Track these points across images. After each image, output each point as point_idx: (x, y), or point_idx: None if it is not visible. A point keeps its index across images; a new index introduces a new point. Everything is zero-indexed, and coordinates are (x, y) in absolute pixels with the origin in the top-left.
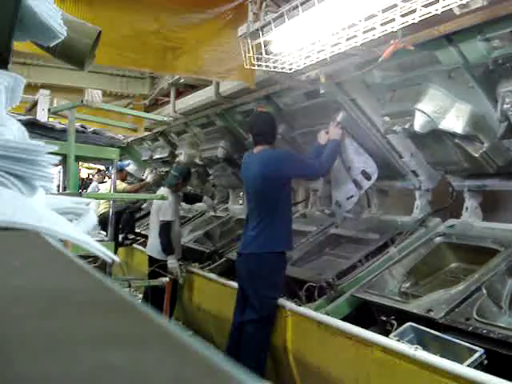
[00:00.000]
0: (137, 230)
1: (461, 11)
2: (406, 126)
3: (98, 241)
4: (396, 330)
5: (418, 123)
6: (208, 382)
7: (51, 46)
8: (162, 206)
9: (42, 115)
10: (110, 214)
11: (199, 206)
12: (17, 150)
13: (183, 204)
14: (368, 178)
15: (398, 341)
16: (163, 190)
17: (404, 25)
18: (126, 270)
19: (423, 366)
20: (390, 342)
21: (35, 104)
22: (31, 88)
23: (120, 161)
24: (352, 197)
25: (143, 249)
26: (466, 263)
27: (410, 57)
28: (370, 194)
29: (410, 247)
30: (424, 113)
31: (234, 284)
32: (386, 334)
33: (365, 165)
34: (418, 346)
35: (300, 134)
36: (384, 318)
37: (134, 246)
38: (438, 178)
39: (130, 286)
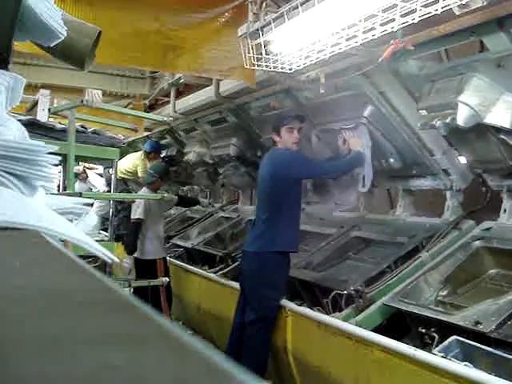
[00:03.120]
0: None
1: (461, 11)
2: (447, 121)
3: (97, 241)
4: (438, 343)
5: (462, 117)
6: (208, 382)
7: (51, 45)
8: (134, 204)
9: (42, 115)
10: (110, 213)
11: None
12: (17, 150)
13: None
14: (363, 185)
15: (445, 357)
16: (143, 190)
17: (404, 25)
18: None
19: (423, 365)
20: (390, 341)
21: (35, 104)
22: (31, 88)
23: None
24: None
25: None
26: (507, 269)
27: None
28: (394, 193)
29: (444, 252)
30: (468, 105)
31: (234, 284)
32: (423, 346)
33: (366, 174)
34: (468, 363)
35: (320, 131)
36: (423, 331)
37: None
38: (471, 178)
39: (130, 286)
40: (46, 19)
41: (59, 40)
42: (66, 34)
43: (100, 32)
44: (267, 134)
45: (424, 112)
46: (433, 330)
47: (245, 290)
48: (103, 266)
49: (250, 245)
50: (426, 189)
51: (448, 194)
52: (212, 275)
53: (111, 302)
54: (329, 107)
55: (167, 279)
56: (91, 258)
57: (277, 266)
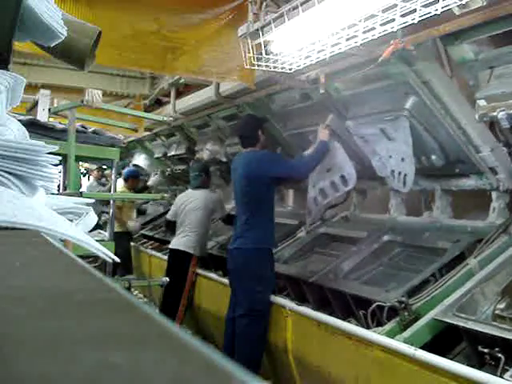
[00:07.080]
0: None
1: (460, 11)
2: None
3: (97, 241)
4: (504, 365)
5: None
6: (208, 382)
7: (51, 46)
8: (212, 201)
9: (42, 115)
10: (111, 213)
11: None
12: (17, 150)
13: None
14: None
15: None
16: (197, 193)
17: (404, 25)
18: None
19: (423, 365)
20: (390, 341)
21: (35, 104)
22: (31, 88)
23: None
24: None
25: (143, 249)
26: None
27: None
28: (430, 193)
29: (495, 259)
30: None
31: None
32: (481, 366)
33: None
34: None
35: (351, 126)
36: (485, 350)
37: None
38: None
39: (130, 286)
40: (46, 19)
41: (59, 40)
42: (66, 34)
43: (100, 32)
44: (290, 130)
45: (483, 102)
46: (497, 349)
47: (234, 287)
48: (103, 266)
49: (233, 243)
50: (468, 189)
51: (494, 194)
52: (212, 275)
53: (111, 301)
54: (361, 100)
55: (167, 279)
56: (91, 257)
57: (260, 260)
